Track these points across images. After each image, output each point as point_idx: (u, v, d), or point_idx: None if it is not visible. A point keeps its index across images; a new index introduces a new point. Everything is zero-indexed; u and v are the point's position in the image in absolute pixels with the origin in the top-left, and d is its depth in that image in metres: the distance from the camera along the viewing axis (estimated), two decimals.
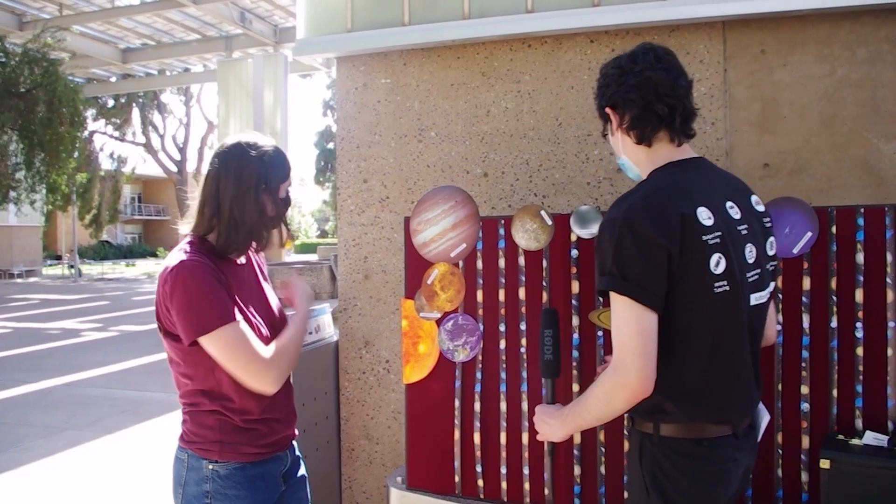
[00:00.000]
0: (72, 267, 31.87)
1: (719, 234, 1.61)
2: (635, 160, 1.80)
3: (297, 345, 1.97)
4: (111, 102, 33.15)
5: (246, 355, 1.81)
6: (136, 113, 35.23)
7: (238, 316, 1.84)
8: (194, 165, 38.06)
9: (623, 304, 1.57)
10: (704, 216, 1.61)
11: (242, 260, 2.02)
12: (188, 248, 1.87)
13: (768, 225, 1.82)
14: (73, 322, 15.20)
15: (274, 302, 2.10)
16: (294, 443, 2.11)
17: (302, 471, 2.13)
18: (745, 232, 1.69)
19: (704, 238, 1.59)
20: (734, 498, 1.76)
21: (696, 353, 1.63)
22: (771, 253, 1.80)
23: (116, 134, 35.63)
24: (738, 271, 1.63)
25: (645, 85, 1.71)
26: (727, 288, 1.61)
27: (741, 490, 1.79)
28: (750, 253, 1.69)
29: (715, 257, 1.59)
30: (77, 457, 5.80)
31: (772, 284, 1.79)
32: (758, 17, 3.05)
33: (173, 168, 37.53)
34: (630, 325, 1.55)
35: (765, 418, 1.83)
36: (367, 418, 3.71)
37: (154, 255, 45.59)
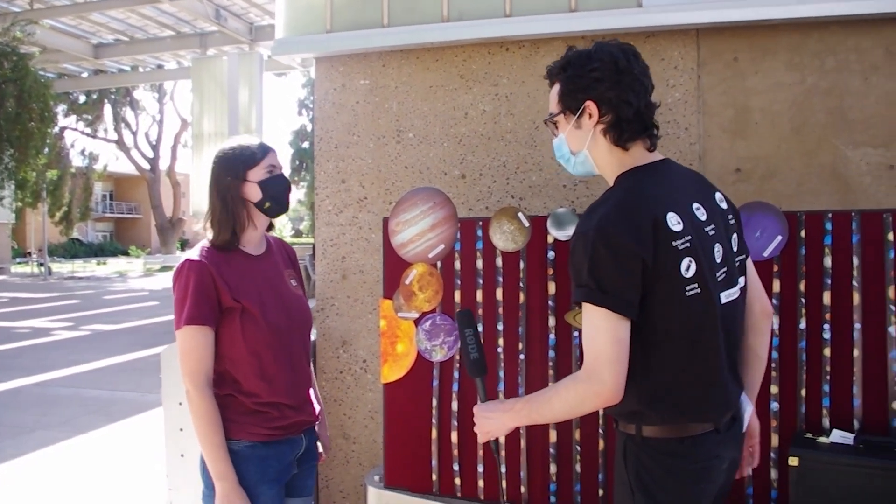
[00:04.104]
0: (41, 265, 31.38)
1: (689, 237, 1.61)
2: (601, 161, 1.77)
3: (198, 429, 1.98)
4: (83, 98, 32.69)
5: (187, 364, 1.97)
6: (108, 109, 34.77)
7: (207, 324, 1.98)
8: (167, 163, 37.67)
9: (599, 315, 1.57)
10: (674, 221, 1.61)
11: (258, 252, 2.15)
12: (200, 247, 2.08)
13: (732, 222, 1.81)
14: (44, 321, 14.98)
15: (293, 291, 2.21)
16: (315, 429, 2.23)
17: (314, 460, 2.26)
18: (711, 232, 1.69)
19: (675, 243, 1.60)
20: (722, 493, 1.77)
21: (671, 357, 1.64)
22: (736, 249, 1.79)
23: (88, 130, 35.14)
24: (708, 273, 1.64)
25: (640, 90, 1.70)
26: (698, 290, 1.62)
27: (727, 485, 1.79)
28: (717, 252, 1.69)
29: (685, 261, 1.60)
30: (48, 457, 5.74)
31: (741, 280, 1.79)
32: (731, 25, 3.12)
33: (146, 166, 37.09)
34: (607, 334, 1.56)
35: (748, 408, 1.84)
36: (344, 417, 3.73)
37: (126, 253, 45.01)
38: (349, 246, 3.71)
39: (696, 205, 1.70)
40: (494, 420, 1.79)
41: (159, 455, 3.95)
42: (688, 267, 1.61)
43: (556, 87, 1.79)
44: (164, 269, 32.17)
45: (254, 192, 2.09)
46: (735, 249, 1.79)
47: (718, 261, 1.69)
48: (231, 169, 2.09)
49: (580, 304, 1.63)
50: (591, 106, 1.71)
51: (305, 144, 34.33)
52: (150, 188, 36.97)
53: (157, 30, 18.82)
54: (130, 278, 29.57)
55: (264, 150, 2.12)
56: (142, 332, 12.97)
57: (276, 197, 2.12)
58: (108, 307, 17.97)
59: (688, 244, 1.61)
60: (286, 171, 2.35)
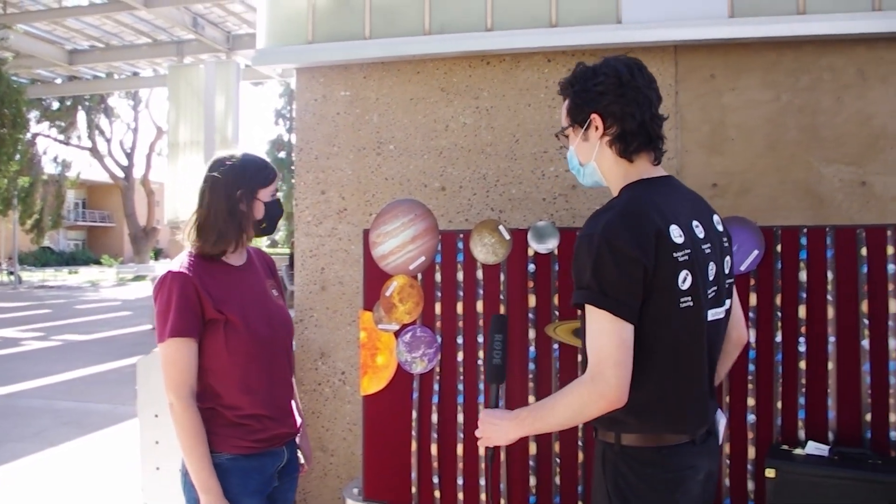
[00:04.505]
0: (11, 273, 30.85)
1: (688, 251, 1.66)
2: (608, 172, 1.81)
3: (183, 441, 1.98)
4: (56, 104, 32.25)
5: (171, 376, 1.96)
6: (81, 116, 34.33)
7: (191, 336, 1.97)
8: (142, 171, 37.30)
9: (602, 317, 1.60)
10: (676, 234, 1.65)
11: (239, 262, 2.15)
12: (183, 258, 2.05)
13: (726, 244, 1.86)
14: (14, 330, 14.71)
15: (275, 301, 2.21)
16: (297, 440, 2.23)
17: (296, 472, 2.24)
18: (707, 251, 1.73)
19: (675, 255, 1.63)
20: None
21: (657, 366, 1.66)
22: (727, 271, 1.83)
23: (61, 137, 34.66)
24: (702, 288, 1.68)
25: (644, 102, 1.74)
26: (691, 304, 1.65)
27: (707, 497, 1.81)
28: (711, 271, 1.73)
29: (683, 274, 1.64)
30: (19, 470, 5.63)
31: (727, 302, 1.83)
32: (708, 43, 3.18)
33: (120, 174, 36.64)
34: (611, 336, 1.58)
35: (722, 421, 1.88)
36: (322, 430, 3.71)
37: (98, 262, 44.38)
38: (328, 257, 3.71)
39: (695, 222, 1.74)
40: (499, 427, 1.80)
41: (134, 468, 3.90)
42: (684, 279, 1.64)
43: (566, 102, 1.85)
44: (138, 278, 31.77)
45: (258, 211, 2.11)
46: (726, 272, 1.84)
47: (710, 279, 1.73)
48: (245, 182, 2.08)
49: (581, 306, 1.65)
50: (596, 118, 1.77)
51: (282, 154, 34.15)
52: (124, 196, 36.53)
53: (134, 37, 18.64)
54: (103, 288, 29.17)
55: (276, 173, 2.17)
56: (115, 342, 12.79)
57: (272, 219, 2.15)
58: (80, 317, 17.70)
59: (687, 257, 1.65)
60: None
